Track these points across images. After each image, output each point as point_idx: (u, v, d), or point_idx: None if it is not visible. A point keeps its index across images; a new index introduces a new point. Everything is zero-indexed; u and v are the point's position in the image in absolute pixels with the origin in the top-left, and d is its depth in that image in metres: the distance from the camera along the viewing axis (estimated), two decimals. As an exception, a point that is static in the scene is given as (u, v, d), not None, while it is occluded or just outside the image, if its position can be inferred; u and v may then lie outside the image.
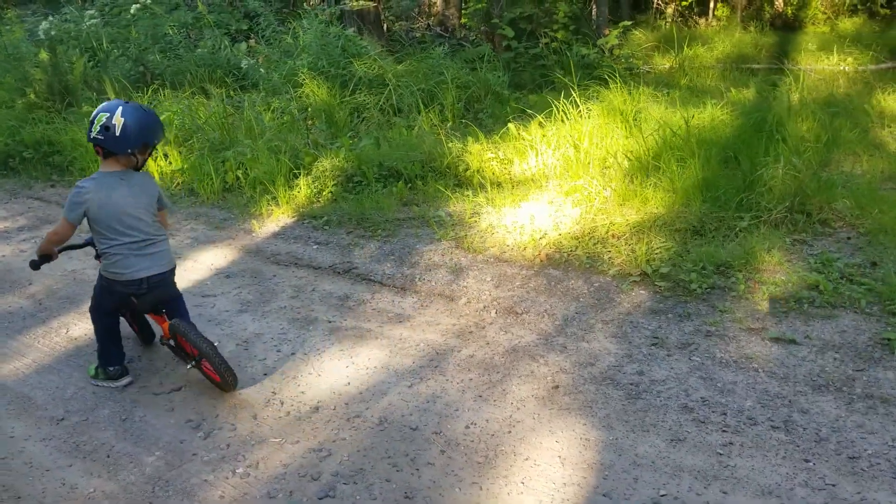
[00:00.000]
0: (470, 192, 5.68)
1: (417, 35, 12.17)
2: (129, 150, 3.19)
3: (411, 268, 4.65)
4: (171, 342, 3.49)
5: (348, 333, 3.94)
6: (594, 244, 4.57)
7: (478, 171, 6.03)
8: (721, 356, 3.48)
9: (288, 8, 12.24)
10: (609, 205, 5.03)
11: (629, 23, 10.48)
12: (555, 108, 6.65)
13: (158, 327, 3.64)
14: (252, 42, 11.12)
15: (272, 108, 7.82)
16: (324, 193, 5.92)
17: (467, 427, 3.09)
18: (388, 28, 11.98)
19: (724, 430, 2.96)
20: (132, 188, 3.26)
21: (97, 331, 3.51)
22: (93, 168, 6.78)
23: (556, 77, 8.97)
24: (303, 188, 5.91)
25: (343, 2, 11.27)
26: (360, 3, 11.12)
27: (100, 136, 3.13)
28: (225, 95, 8.10)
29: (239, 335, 3.98)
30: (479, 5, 11.24)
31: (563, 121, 6.54)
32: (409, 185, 5.88)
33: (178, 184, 6.56)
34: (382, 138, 6.79)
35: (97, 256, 3.44)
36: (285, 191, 5.89)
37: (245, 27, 11.67)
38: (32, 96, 7.93)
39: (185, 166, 6.63)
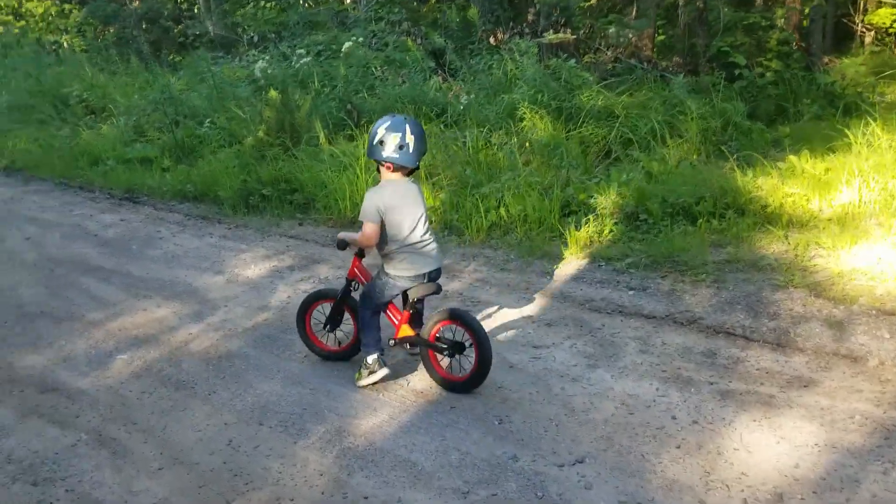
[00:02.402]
0: (781, 232, 5.03)
1: (608, 66, 11.65)
2: (418, 163, 3.46)
3: (772, 319, 4.02)
4: (405, 342, 3.67)
5: (747, 399, 3.34)
6: None
7: (780, 207, 5.37)
8: None
9: (473, 44, 12.01)
10: None
11: (876, 48, 9.60)
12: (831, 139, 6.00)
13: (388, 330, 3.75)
14: (440, 78, 10.90)
15: (494, 143, 7.45)
16: (604, 233, 5.41)
17: None
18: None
19: None
20: (415, 195, 3.52)
21: (365, 322, 3.66)
22: (335, 207, 6.61)
23: (803, 106, 8.25)
24: (583, 227, 5.41)
25: (541, 35, 10.96)
26: (559, 36, 10.77)
27: (395, 155, 3.36)
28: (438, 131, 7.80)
29: (609, 395, 3.46)
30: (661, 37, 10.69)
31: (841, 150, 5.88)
32: (708, 223, 5.28)
33: (432, 222, 6.21)
34: (644, 172, 6.27)
35: (360, 253, 3.77)
36: (566, 230, 5.41)
37: (432, 64, 11.50)
38: (262, 134, 7.88)
39: (436, 203, 6.29)
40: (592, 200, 5.66)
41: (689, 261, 4.77)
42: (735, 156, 6.13)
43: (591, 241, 5.34)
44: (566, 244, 5.30)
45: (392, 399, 3.57)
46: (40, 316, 4.80)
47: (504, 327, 4.27)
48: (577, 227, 5.39)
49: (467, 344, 3.54)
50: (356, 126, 8.51)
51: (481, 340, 3.47)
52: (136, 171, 8.52)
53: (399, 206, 3.45)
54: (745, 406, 3.29)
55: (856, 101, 8.26)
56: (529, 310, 4.50)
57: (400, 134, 3.34)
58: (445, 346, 3.59)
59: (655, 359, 3.78)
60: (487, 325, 4.15)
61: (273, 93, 8.05)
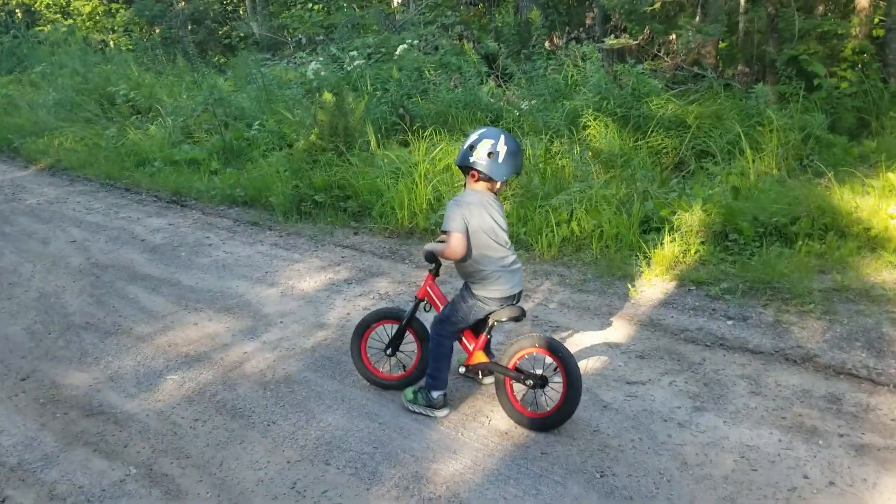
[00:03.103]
0: (892, 258, 4.54)
1: (668, 74, 11.16)
2: (506, 178, 3.16)
3: (900, 360, 3.55)
4: (478, 369, 3.37)
5: (887, 457, 2.89)
6: None
7: (885, 230, 4.87)
8: None
9: (528, 48, 11.60)
10: None
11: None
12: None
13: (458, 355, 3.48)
14: (492, 83, 10.51)
15: (555, 152, 7.03)
16: (690, 252, 4.96)
17: None
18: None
19: None
20: (499, 210, 3.25)
21: (436, 349, 3.35)
22: (391, 216, 6.23)
23: (888, 120, 7.68)
24: (667, 246, 4.97)
25: (600, 40, 10.53)
26: (620, 41, 10.32)
27: (482, 162, 3.11)
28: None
29: (725, 445, 3.03)
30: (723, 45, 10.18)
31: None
32: (807, 245, 4.80)
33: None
34: (730, 186, 5.79)
35: (435, 271, 3.47)
36: (649, 248, 4.98)
37: (484, 69, 11.12)
38: (314, 137, 7.56)
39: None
40: (675, 217, 5.21)
41: (791, 288, 4.31)
42: (832, 172, 5.62)
43: (675, 262, 4.90)
44: (649, 264, 4.86)
45: (473, 440, 3.18)
46: (86, 328, 4.50)
47: (589, 358, 3.86)
48: (660, 246, 4.94)
49: (552, 377, 3.19)
50: (409, 131, 8.17)
51: (573, 377, 3.11)
52: (183, 174, 8.27)
53: (484, 218, 3.17)
54: (887, 465, 2.84)
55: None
56: (615, 338, 4.08)
57: (493, 141, 3.10)
58: (529, 378, 3.22)
59: (771, 402, 3.33)
60: (577, 353, 3.75)
61: (328, 95, 7.72)
